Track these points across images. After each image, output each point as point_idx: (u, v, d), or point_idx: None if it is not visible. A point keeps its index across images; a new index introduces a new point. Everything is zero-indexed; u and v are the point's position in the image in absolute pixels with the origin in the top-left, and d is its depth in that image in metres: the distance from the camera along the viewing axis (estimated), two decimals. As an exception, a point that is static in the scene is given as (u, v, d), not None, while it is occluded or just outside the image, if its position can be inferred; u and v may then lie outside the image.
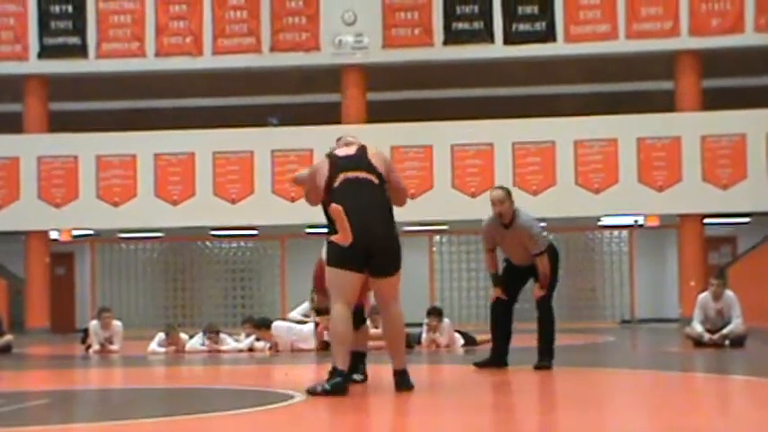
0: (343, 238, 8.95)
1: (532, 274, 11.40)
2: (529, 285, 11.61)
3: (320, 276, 10.34)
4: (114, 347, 16.80)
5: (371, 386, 9.36)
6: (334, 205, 9.02)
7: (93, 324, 17.16)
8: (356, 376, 9.99)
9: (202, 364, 14.44)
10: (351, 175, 9.15)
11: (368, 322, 10.57)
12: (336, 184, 9.11)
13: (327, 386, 8.82)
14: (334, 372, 8.92)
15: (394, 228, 9.19)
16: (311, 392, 8.84)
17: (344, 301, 9.02)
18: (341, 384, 8.84)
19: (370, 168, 9.22)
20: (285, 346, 16.24)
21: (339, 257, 9.01)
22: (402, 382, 9.12)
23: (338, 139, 9.85)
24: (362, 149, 9.34)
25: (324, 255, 10.06)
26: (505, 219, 11.24)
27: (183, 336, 16.89)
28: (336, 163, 9.25)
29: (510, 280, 11.59)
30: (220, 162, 25.03)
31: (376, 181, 9.19)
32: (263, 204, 24.87)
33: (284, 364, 13.88)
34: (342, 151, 9.41)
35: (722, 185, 23.93)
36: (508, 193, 11.30)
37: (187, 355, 16.15)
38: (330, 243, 9.09)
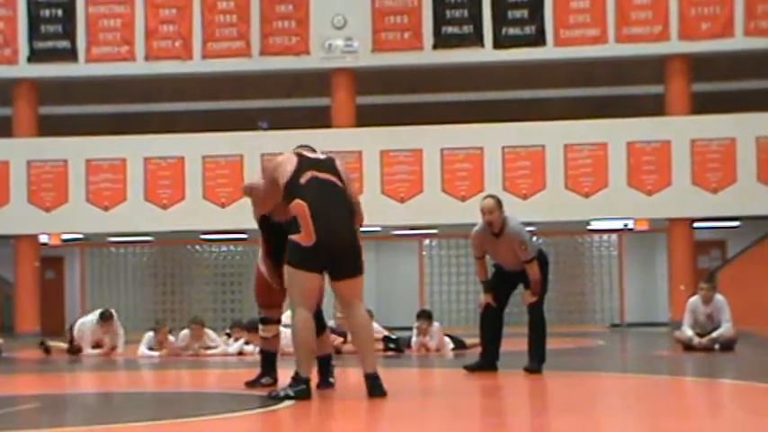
0: (306, 238, 8.78)
1: (522, 279, 11.42)
2: (519, 290, 11.64)
3: (261, 291, 10.03)
4: (118, 350, 17.05)
5: (360, 391, 9.33)
6: (298, 201, 8.85)
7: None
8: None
9: (192, 367, 14.41)
10: (320, 175, 9.04)
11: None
12: (303, 180, 8.96)
13: (291, 392, 8.71)
14: (297, 378, 8.82)
15: (357, 231, 9.09)
16: (273, 397, 8.77)
17: (306, 305, 8.89)
18: (305, 391, 8.77)
19: (337, 174, 9.15)
20: (275, 349, 16.16)
21: (300, 258, 8.84)
22: (374, 387, 8.88)
23: (299, 146, 9.68)
24: (331, 159, 9.30)
25: (261, 266, 9.99)
26: (495, 228, 11.28)
27: (171, 338, 16.94)
28: (306, 160, 9.15)
29: (500, 285, 11.61)
30: (210, 166, 25.00)
31: (341, 185, 9.12)
32: (253, 208, 24.74)
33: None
34: (310, 154, 9.35)
35: (712, 189, 23.95)
36: (498, 202, 11.32)
37: (177, 358, 16.11)
38: (291, 242, 8.88)
